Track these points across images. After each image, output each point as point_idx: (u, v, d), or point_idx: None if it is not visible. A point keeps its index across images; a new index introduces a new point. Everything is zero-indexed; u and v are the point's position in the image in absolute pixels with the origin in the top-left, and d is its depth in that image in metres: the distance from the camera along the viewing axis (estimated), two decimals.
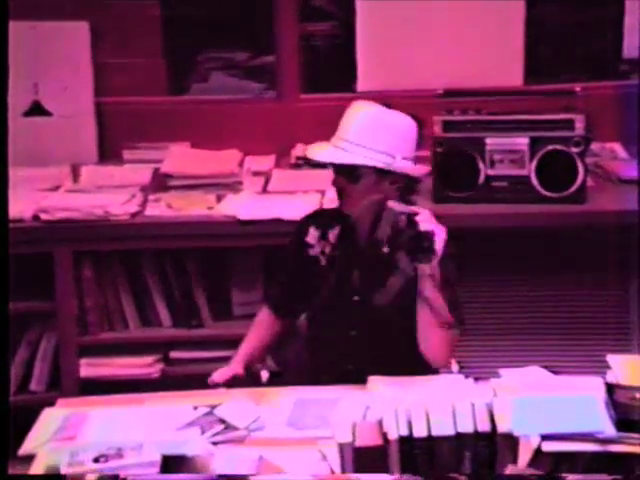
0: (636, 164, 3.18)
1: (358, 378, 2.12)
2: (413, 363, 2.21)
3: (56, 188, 3.15)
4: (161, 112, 3.36)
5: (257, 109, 3.10)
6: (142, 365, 3.01)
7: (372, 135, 2.23)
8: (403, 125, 2.26)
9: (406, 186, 2.26)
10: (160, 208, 3.02)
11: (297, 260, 2.39)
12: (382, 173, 2.23)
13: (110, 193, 3.08)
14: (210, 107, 3.35)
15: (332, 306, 2.32)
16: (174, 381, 2.93)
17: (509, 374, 2.01)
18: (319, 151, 2.33)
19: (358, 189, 2.25)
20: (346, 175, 2.26)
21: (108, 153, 3.36)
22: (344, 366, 2.27)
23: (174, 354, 3.05)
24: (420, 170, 2.31)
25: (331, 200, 2.63)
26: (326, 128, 3.19)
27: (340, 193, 2.30)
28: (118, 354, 3.01)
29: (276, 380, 2.44)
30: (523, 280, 3.08)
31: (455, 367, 2.46)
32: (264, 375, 2.51)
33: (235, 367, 2.36)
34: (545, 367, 2.10)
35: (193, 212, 2.99)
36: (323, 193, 2.99)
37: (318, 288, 2.33)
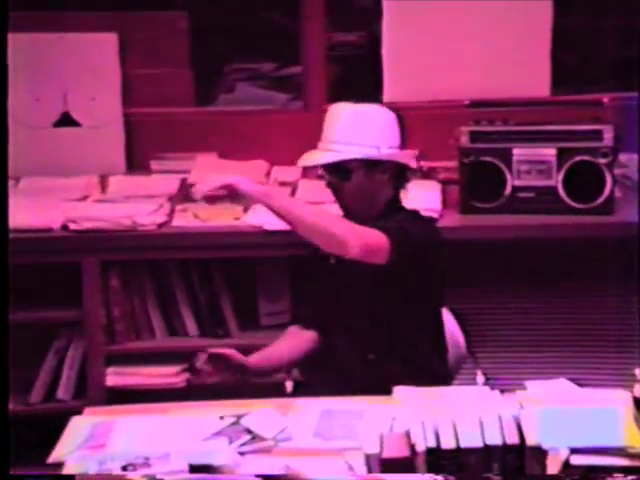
0: None
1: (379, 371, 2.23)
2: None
3: (84, 198, 3.17)
4: (188, 123, 3.38)
5: (284, 120, 3.11)
6: (168, 375, 3.01)
7: (355, 131, 2.30)
8: (382, 117, 2.34)
9: (398, 175, 2.33)
10: (187, 218, 3.03)
11: (320, 271, 2.41)
12: (371, 166, 2.30)
13: (138, 203, 3.09)
14: (237, 118, 3.36)
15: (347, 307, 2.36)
16: (200, 391, 2.89)
17: (535, 386, 2.00)
18: (308, 157, 2.39)
19: (351, 186, 2.31)
20: (338, 175, 2.32)
21: (136, 163, 3.37)
22: (365, 355, 2.32)
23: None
24: (406, 155, 2.36)
25: None
26: None
27: (336, 194, 2.35)
28: (145, 363, 3.02)
29: (301, 390, 2.47)
30: (550, 292, 3.07)
31: (481, 378, 2.47)
32: (289, 385, 2.53)
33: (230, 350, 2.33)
34: (571, 380, 2.08)
35: (220, 222, 2.99)
36: None
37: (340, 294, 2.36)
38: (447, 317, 2.59)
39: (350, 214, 2.34)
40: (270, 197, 2.19)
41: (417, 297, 2.35)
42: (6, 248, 1.86)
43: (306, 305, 2.47)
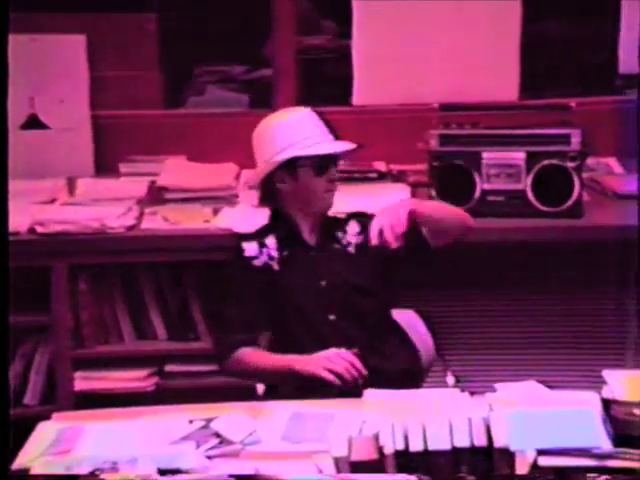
0: (632, 179, 3.19)
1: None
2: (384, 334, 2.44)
3: (52, 201, 3.15)
4: (158, 125, 3.37)
5: (254, 122, 3.07)
6: (137, 378, 3.00)
7: (329, 129, 2.48)
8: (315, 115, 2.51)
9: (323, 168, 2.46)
10: (156, 221, 3.02)
11: (247, 280, 2.45)
12: (320, 167, 2.44)
13: (106, 206, 3.07)
14: (206, 120, 3.36)
15: (303, 301, 2.42)
16: (169, 395, 2.93)
17: (505, 388, 2.01)
18: (320, 147, 2.45)
19: (297, 185, 2.45)
20: (287, 172, 2.44)
21: (105, 166, 3.35)
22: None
23: (169, 367, 3.04)
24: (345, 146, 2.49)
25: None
26: None
27: (278, 194, 2.46)
28: (113, 367, 3.01)
29: (272, 393, 2.46)
30: (519, 295, 3.09)
31: (451, 379, 2.54)
32: (260, 388, 2.51)
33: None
34: (541, 382, 2.10)
35: (189, 225, 2.98)
36: None
37: (281, 292, 2.43)
38: (415, 320, 2.63)
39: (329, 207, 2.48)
40: (423, 204, 2.43)
41: (391, 291, 2.49)
42: (6, 248, 1.87)
43: (247, 321, 2.45)
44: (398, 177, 3.19)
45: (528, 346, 3.09)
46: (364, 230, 2.44)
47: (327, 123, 2.50)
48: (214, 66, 3.57)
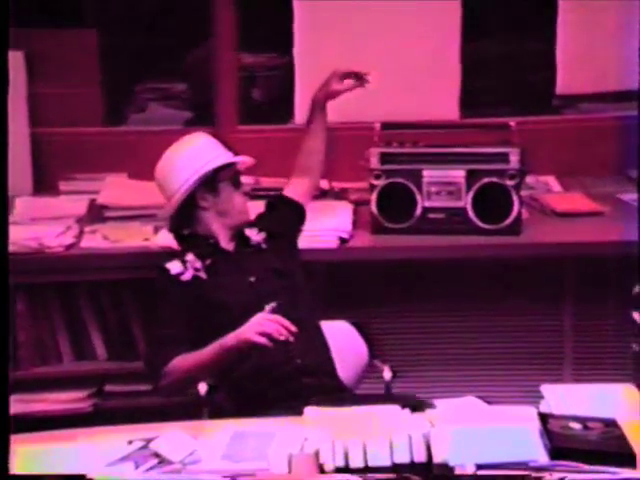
0: (571, 197, 3.24)
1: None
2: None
3: None
4: (98, 143, 3.37)
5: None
6: (75, 400, 2.98)
7: (224, 147, 2.70)
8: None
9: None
10: (96, 240, 3.01)
11: (177, 297, 2.54)
12: (237, 181, 2.67)
13: (45, 225, 3.05)
14: (148, 138, 3.33)
15: (238, 299, 2.53)
16: (108, 415, 2.91)
17: (445, 405, 2.04)
18: (237, 157, 2.70)
19: (218, 200, 2.65)
20: (208, 190, 2.63)
21: (44, 184, 3.33)
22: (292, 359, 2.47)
23: (109, 387, 3.02)
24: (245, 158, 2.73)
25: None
26: (263, 159, 3.24)
27: (197, 214, 2.65)
28: (50, 389, 2.97)
29: (213, 394, 2.48)
30: (458, 311, 3.11)
31: (388, 373, 2.59)
32: (202, 388, 2.50)
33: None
34: (480, 397, 2.13)
35: (130, 243, 2.97)
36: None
37: (215, 297, 2.53)
38: (347, 328, 2.71)
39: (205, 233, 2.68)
40: None
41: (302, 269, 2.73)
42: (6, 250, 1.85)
43: (176, 336, 2.51)
44: (340, 194, 3.22)
45: (467, 362, 3.11)
46: (261, 229, 2.71)
47: (224, 143, 2.71)
48: (155, 83, 3.56)
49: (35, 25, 3.31)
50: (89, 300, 3.04)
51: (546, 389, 1.97)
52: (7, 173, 1.96)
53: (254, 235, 2.73)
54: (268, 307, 2.45)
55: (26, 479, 1.81)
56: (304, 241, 2.85)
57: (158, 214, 2.79)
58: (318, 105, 2.84)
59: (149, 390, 2.78)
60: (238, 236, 2.70)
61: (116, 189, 3.25)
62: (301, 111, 3.36)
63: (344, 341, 2.69)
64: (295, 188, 2.85)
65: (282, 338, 2.32)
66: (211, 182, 2.63)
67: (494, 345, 3.13)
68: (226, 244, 2.67)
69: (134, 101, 3.58)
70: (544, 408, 1.92)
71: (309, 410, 2.09)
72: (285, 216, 2.81)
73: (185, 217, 2.67)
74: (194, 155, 2.64)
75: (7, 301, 1.83)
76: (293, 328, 2.33)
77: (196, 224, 2.67)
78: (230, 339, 2.38)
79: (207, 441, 2.04)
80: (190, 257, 2.63)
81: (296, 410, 2.16)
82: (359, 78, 2.84)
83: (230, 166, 2.67)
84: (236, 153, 2.71)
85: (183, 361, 2.45)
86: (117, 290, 3.04)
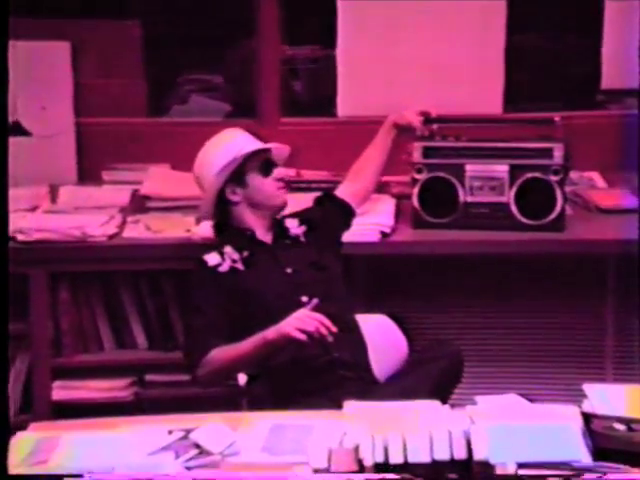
0: (615, 193, 3.19)
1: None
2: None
3: (34, 209, 3.13)
4: (141, 133, 3.36)
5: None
6: (116, 388, 2.99)
7: (255, 139, 2.72)
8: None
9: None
10: (138, 230, 3.01)
11: (215, 288, 2.56)
12: (265, 169, 2.67)
13: (88, 214, 3.06)
14: (189, 129, 3.33)
15: (274, 290, 2.55)
16: (149, 405, 2.92)
17: (486, 402, 2.01)
18: (259, 144, 2.70)
19: (248, 191, 2.66)
20: (236, 183, 2.66)
21: (87, 174, 3.34)
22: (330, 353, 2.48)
23: (149, 377, 3.03)
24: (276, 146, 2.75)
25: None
26: (306, 152, 3.24)
27: (230, 208, 2.67)
28: (92, 377, 2.99)
29: (254, 384, 2.51)
30: (500, 307, 3.10)
31: None
32: (241, 379, 2.53)
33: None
34: (522, 395, 2.10)
35: (171, 234, 2.97)
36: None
37: (252, 287, 2.55)
38: (387, 322, 2.70)
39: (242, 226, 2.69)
40: None
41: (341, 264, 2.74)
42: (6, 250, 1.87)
43: (214, 327, 2.53)
44: (382, 188, 3.17)
45: (509, 359, 3.10)
46: (303, 221, 2.73)
47: (259, 137, 2.72)
48: (198, 75, 3.56)
49: (80, 16, 3.33)
50: (130, 290, 3.04)
51: (589, 388, 1.93)
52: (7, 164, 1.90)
53: (294, 227, 2.73)
54: (310, 303, 2.43)
55: (26, 479, 1.81)
56: (345, 234, 2.84)
57: (198, 208, 2.80)
58: (388, 125, 2.94)
59: (189, 380, 2.75)
60: (276, 227, 2.70)
61: (159, 180, 3.25)
62: (344, 103, 3.41)
63: (383, 335, 2.69)
64: (347, 189, 2.87)
65: (320, 337, 2.33)
66: (238, 175, 2.65)
67: (535, 342, 3.10)
68: (263, 235, 2.69)
69: (176, 92, 3.60)
70: (587, 407, 1.89)
71: (348, 404, 2.06)
72: (331, 214, 2.82)
73: (220, 212, 2.70)
74: (223, 152, 2.65)
75: (7, 294, 1.81)
76: (333, 328, 2.33)
77: (231, 218, 2.69)
78: (271, 332, 2.39)
79: (246, 433, 2.03)
80: (228, 249, 2.64)
81: (333, 401, 2.18)
82: (427, 121, 2.96)
83: (257, 155, 2.66)
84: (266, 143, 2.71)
85: (221, 352, 2.46)
86: (158, 280, 3.05)
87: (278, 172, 2.68)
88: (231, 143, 2.68)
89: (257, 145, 2.68)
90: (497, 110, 3.36)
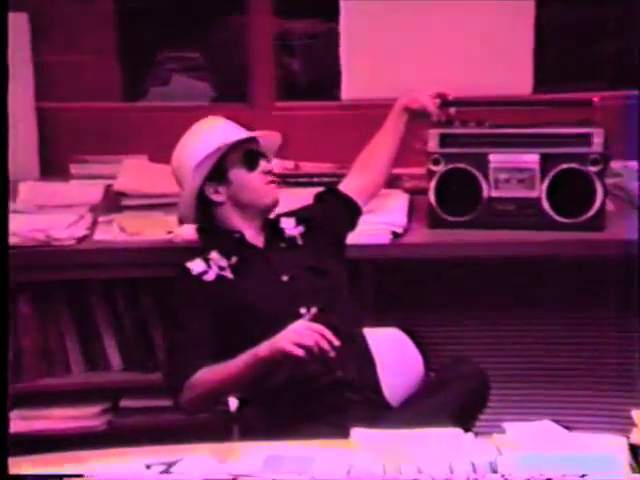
0: None
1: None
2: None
3: None
4: (115, 120, 3.37)
5: (226, 118, 3.10)
6: (85, 417, 3.00)
7: (239, 127, 2.71)
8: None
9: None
10: (112, 232, 3.02)
11: (200, 300, 2.55)
12: (249, 162, 2.66)
13: (53, 214, 3.06)
14: (170, 115, 3.35)
15: (268, 301, 2.55)
16: (124, 435, 2.93)
17: (515, 429, 2.01)
18: (241, 133, 2.68)
19: (232, 189, 2.65)
20: (217, 181, 2.65)
21: (51, 167, 3.35)
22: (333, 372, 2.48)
23: (125, 403, 3.05)
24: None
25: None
26: (305, 141, 3.24)
27: (214, 209, 2.67)
28: (57, 404, 2.99)
29: (246, 409, 2.52)
30: (527, 319, 3.10)
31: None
32: (232, 404, 2.54)
33: None
34: (556, 421, 2.10)
35: (150, 236, 2.98)
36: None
37: (242, 298, 2.54)
38: (400, 337, 2.69)
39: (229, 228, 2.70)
40: None
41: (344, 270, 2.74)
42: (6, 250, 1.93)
43: (200, 343, 2.52)
44: (393, 182, 3.18)
45: (540, 379, 3.10)
46: (300, 221, 2.72)
47: (243, 125, 2.71)
48: (180, 52, 3.59)
49: None
50: (103, 302, 3.05)
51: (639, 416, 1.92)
52: (7, 157, 1.94)
53: (290, 228, 2.73)
54: (308, 314, 2.44)
55: (26, 479, 1.84)
56: (351, 235, 2.85)
57: (178, 210, 2.80)
58: (399, 109, 2.93)
59: (170, 406, 2.74)
60: (270, 228, 2.71)
61: (135, 174, 3.25)
62: (348, 85, 3.42)
63: (395, 351, 2.69)
64: (352, 184, 2.86)
65: (320, 353, 2.31)
66: (219, 172, 2.65)
67: (570, 360, 3.11)
68: (254, 238, 2.69)
69: (155, 72, 3.62)
70: (637, 439, 1.87)
71: (355, 431, 2.06)
72: (334, 212, 2.81)
73: (203, 214, 2.69)
74: (201, 144, 2.65)
75: (7, 302, 1.84)
76: (336, 341, 2.31)
77: (216, 220, 2.69)
78: (263, 349, 2.38)
79: (237, 466, 2.00)
80: (214, 255, 2.64)
81: (337, 427, 2.18)
82: (444, 104, 2.95)
83: (240, 146, 2.65)
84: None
85: (209, 373, 2.45)
86: (135, 290, 3.05)
87: (265, 165, 2.68)
88: (210, 134, 2.66)
89: (239, 135, 2.67)
90: (526, 91, 3.37)
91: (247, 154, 2.66)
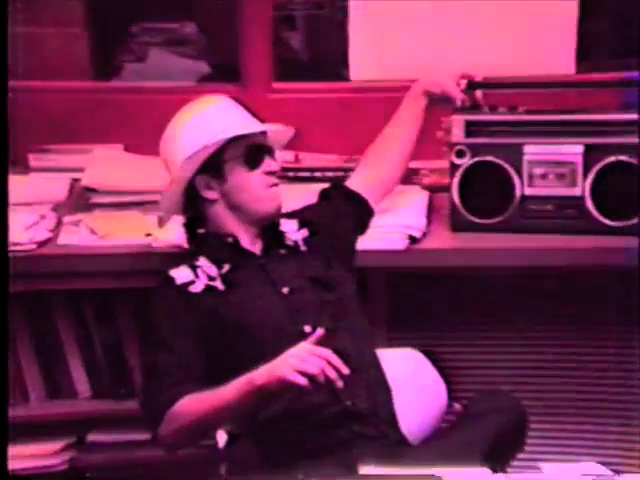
0: None
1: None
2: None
3: None
4: (83, 102, 3.35)
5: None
6: (46, 454, 2.99)
7: (246, 113, 2.69)
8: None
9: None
10: (80, 234, 3.01)
11: (186, 315, 2.55)
12: (251, 158, 2.63)
13: (10, 213, 2.91)
14: (150, 97, 3.35)
15: (266, 317, 2.55)
16: (91, 474, 2.90)
17: (554, 470, 1.99)
18: (250, 126, 2.66)
19: (227, 187, 2.64)
20: (211, 175, 2.62)
21: (8, 158, 3.26)
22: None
23: (93, 437, 3.04)
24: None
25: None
26: (308, 129, 3.20)
27: (204, 207, 2.66)
28: (13, 439, 2.91)
29: (237, 444, 2.52)
30: (576, 339, 3.07)
31: (458, 405, 2.71)
32: (220, 438, 2.55)
33: None
34: (603, 463, 2.07)
35: (126, 240, 2.97)
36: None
37: (236, 314, 2.54)
38: (418, 360, 2.75)
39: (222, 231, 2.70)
40: None
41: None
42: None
43: (184, 366, 2.51)
44: (409, 177, 3.18)
45: (585, 412, 3.10)
46: (303, 224, 2.73)
47: (250, 110, 2.69)
48: (159, 23, 3.55)
49: None
50: (69, 317, 3.04)
51: None
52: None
53: (292, 232, 2.72)
54: (313, 334, 2.38)
55: (26, 479, 1.88)
56: (361, 240, 2.85)
57: (159, 201, 2.79)
58: (417, 92, 2.94)
59: (148, 440, 2.69)
60: (268, 232, 2.70)
61: (107, 166, 3.24)
62: (357, 63, 3.39)
63: (414, 378, 2.71)
64: (363, 180, 2.86)
65: (326, 382, 2.27)
66: (214, 164, 2.62)
67: (625, 390, 3.07)
68: (250, 243, 2.68)
69: (130, 46, 3.58)
70: None
71: (366, 470, 2.08)
72: (342, 213, 2.80)
73: (191, 210, 2.67)
74: (197, 130, 2.62)
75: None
76: (345, 369, 2.27)
77: (206, 219, 2.68)
78: (260, 376, 2.33)
79: None
80: (203, 262, 2.63)
81: (345, 466, 2.23)
82: (470, 86, 2.94)
83: (243, 138, 2.62)
84: (261, 121, 2.67)
85: (194, 402, 2.42)
86: (107, 304, 3.05)
87: (269, 163, 2.65)
88: (212, 120, 2.63)
89: (247, 126, 2.63)
90: (568, 70, 3.36)
91: (250, 149, 2.63)
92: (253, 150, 2.63)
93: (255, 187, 2.63)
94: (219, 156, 2.61)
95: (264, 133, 2.66)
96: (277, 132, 2.71)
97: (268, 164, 2.64)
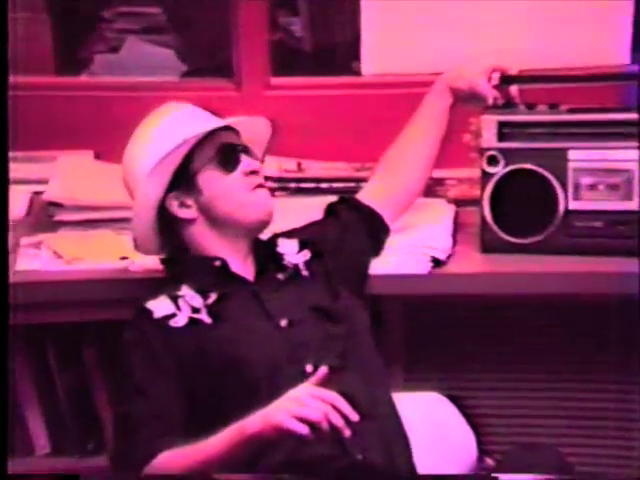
0: None
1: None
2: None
3: None
4: (46, 100, 3.35)
5: (202, 99, 2.99)
6: None
7: (211, 115, 2.72)
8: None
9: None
10: (41, 259, 2.99)
11: (164, 354, 2.54)
12: (225, 160, 2.64)
13: None
14: (125, 94, 3.35)
15: (260, 355, 2.53)
16: None
17: None
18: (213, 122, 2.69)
19: (204, 199, 2.64)
20: (183, 191, 2.63)
21: None
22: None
23: None
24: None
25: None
26: (311, 132, 3.13)
27: (180, 229, 2.67)
28: None
29: None
30: (629, 384, 3.02)
31: (490, 461, 2.78)
32: None
33: None
34: None
35: (96, 264, 2.95)
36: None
37: (224, 351, 2.53)
38: (444, 405, 2.77)
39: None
40: None
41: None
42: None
43: (163, 416, 2.50)
44: (432, 189, 3.20)
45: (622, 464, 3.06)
46: (305, 244, 2.72)
47: (218, 115, 2.72)
48: (134, 7, 3.54)
49: None
50: (26, 357, 3.04)
51: None
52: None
53: (292, 254, 2.71)
54: (315, 373, 2.34)
55: (25, 479, 1.76)
56: (374, 263, 2.84)
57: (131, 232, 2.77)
58: (441, 89, 2.93)
59: None
60: (263, 253, 2.69)
61: (75, 177, 3.24)
62: (370, 56, 3.37)
63: (437, 426, 2.71)
64: (377, 192, 2.86)
65: (330, 429, 2.25)
66: (185, 178, 2.62)
67: None
68: (240, 268, 2.66)
69: (101, 34, 3.58)
70: None
71: None
72: (352, 231, 2.80)
73: (167, 237, 2.67)
74: (156, 141, 2.62)
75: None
76: (353, 415, 2.23)
77: (186, 244, 2.68)
78: (252, 423, 2.31)
79: None
80: (185, 291, 2.61)
81: None
82: (503, 81, 2.92)
83: (211, 140, 2.63)
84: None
85: (177, 457, 2.41)
86: (73, 341, 3.05)
87: (247, 162, 2.63)
88: (169, 125, 2.64)
89: (209, 123, 2.64)
90: (622, 60, 3.34)
91: (221, 149, 2.63)
92: (226, 150, 2.63)
93: (236, 192, 2.62)
94: (188, 167, 2.60)
95: (236, 132, 2.66)
96: (251, 128, 2.69)
97: (246, 163, 2.63)
